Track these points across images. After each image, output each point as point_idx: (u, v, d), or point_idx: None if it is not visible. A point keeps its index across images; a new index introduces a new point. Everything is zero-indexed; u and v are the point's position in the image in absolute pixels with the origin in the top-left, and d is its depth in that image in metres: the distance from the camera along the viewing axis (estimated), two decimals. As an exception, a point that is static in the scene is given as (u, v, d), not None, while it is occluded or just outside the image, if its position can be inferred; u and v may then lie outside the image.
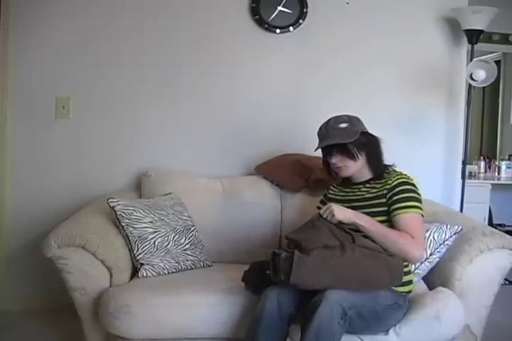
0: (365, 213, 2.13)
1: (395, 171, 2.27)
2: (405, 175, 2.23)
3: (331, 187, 2.48)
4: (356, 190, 2.29)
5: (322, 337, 1.83)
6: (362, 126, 2.29)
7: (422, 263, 2.37)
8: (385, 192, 2.17)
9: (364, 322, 2.00)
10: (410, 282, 2.21)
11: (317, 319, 1.83)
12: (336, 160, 2.25)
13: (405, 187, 2.15)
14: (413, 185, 2.19)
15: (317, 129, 3.24)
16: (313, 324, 1.83)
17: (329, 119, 2.30)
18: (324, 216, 2.07)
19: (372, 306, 2.00)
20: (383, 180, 2.23)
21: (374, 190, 2.22)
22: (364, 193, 2.25)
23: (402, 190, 2.14)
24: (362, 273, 1.96)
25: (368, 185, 2.26)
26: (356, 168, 2.26)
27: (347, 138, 2.21)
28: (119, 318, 2.11)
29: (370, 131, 2.35)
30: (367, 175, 2.29)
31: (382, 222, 2.13)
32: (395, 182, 2.17)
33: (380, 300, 2.02)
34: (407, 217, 2.10)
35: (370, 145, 2.26)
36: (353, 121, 2.27)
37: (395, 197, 2.14)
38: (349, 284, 1.93)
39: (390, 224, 2.14)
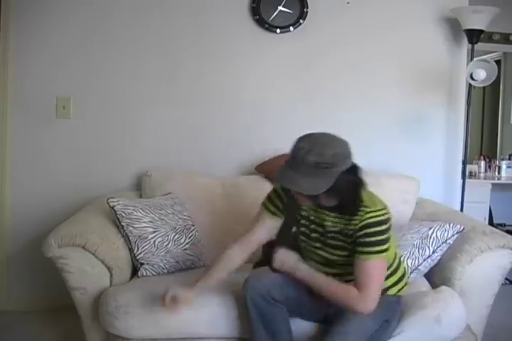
0: (329, 244, 2.00)
1: (366, 206, 1.91)
2: (376, 211, 1.90)
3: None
4: (323, 215, 2.03)
5: None
6: (344, 163, 1.86)
7: (424, 260, 2.38)
8: (350, 232, 1.93)
9: None
10: (398, 282, 2.08)
11: None
12: (297, 195, 1.95)
13: (371, 230, 1.88)
14: (382, 223, 1.89)
15: (317, 129, 3.26)
16: None
17: (308, 140, 1.88)
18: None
19: (360, 336, 1.90)
20: (351, 217, 1.94)
21: (340, 226, 1.97)
22: (329, 222, 2.01)
23: (367, 234, 1.88)
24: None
25: (333, 215, 1.99)
26: (328, 204, 1.96)
27: (317, 187, 1.83)
28: (118, 318, 2.11)
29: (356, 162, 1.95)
30: (334, 202, 1.96)
31: (345, 256, 1.99)
32: (362, 223, 1.89)
33: (368, 326, 1.92)
34: (366, 265, 1.88)
35: (343, 192, 1.88)
36: (335, 156, 1.83)
37: (359, 240, 1.89)
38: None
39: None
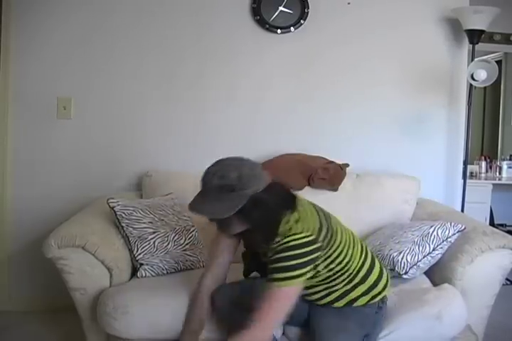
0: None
1: (282, 230, 1.81)
2: (292, 235, 1.78)
3: None
4: None
5: None
6: (253, 184, 1.76)
7: (424, 257, 2.37)
8: (270, 255, 1.83)
9: None
10: (368, 291, 1.97)
11: None
12: (210, 222, 1.89)
13: (284, 254, 1.76)
14: (296, 247, 1.77)
15: (318, 129, 3.27)
16: None
17: (216, 164, 1.82)
18: None
19: None
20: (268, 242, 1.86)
21: (266, 250, 1.88)
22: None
23: (276, 260, 1.78)
24: None
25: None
26: (241, 229, 1.87)
27: (222, 211, 1.75)
28: (116, 318, 2.10)
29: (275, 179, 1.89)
30: (247, 227, 1.88)
31: None
32: (278, 248, 1.79)
33: None
34: (270, 293, 1.76)
35: (254, 216, 1.78)
36: (241, 178, 1.74)
37: (270, 266, 1.80)
38: None
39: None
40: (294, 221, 1.82)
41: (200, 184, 1.83)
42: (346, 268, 1.94)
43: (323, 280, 1.94)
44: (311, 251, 1.78)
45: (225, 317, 2.07)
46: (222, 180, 1.74)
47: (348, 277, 1.95)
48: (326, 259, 1.88)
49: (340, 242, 1.92)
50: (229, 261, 2.10)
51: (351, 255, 1.95)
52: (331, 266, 1.91)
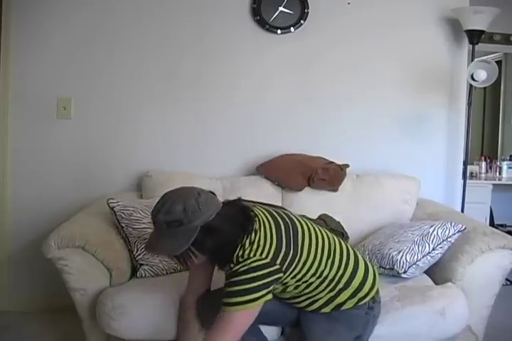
0: None
1: (237, 255, 1.76)
2: (246, 259, 1.73)
3: None
4: None
5: None
6: (200, 215, 1.69)
7: (423, 256, 2.37)
8: (225, 278, 1.80)
9: None
10: (355, 294, 1.92)
11: None
12: (169, 258, 1.89)
13: (236, 279, 1.72)
14: (249, 271, 1.71)
15: (318, 130, 3.27)
16: None
17: (162, 199, 1.74)
18: None
19: None
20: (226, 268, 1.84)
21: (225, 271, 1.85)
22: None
23: (229, 284, 1.73)
24: None
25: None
26: (201, 259, 1.80)
27: (176, 247, 1.69)
28: (115, 319, 2.10)
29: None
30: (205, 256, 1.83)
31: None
32: (231, 271, 1.75)
33: None
34: (221, 317, 1.71)
35: (208, 245, 1.73)
36: (187, 211, 1.68)
37: (224, 290, 1.74)
38: None
39: None
40: (248, 245, 1.75)
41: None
42: (323, 277, 1.87)
43: (302, 291, 1.89)
44: (264, 274, 1.72)
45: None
46: (168, 216, 1.68)
47: (329, 285, 1.89)
48: (295, 276, 1.83)
49: (309, 255, 1.84)
50: (208, 279, 2.05)
51: (327, 263, 1.88)
52: (305, 279, 1.85)
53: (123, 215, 2.44)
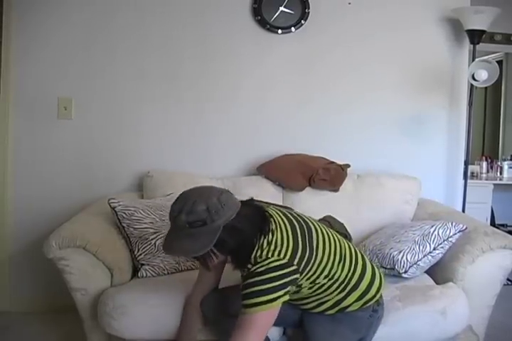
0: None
1: (255, 256, 1.76)
2: (264, 260, 1.73)
3: None
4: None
5: None
6: (223, 214, 1.68)
7: (424, 256, 2.37)
8: (242, 280, 1.79)
9: None
10: (363, 295, 1.92)
11: None
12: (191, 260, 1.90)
13: (253, 280, 1.71)
14: (265, 272, 1.71)
15: (319, 130, 3.27)
16: None
17: (181, 199, 1.73)
18: None
19: None
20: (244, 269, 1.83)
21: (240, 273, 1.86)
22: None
23: (246, 285, 1.72)
24: None
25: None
26: (221, 259, 1.81)
27: (199, 248, 1.68)
28: (116, 319, 2.10)
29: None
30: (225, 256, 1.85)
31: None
32: (249, 272, 1.74)
33: None
34: (242, 319, 1.71)
35: (231, 244, 1.73)
36: (209, 210, 1.67)
37: (242, 292, 1.73)
38: None
39: None
40: (266, 245, 1.75)
41: (170, 223, 1.74)
42: (335, 279, 1.88)
43: (313, 292, 1.90)
44: (282, 275, 1.72)
45: (215, 326, 2.07)
46: (191, 216, 1.66)
47: (339, 286, 1.90)
48: (309, 277, 1.84)
49: (323, 257, 1.85)
50: (217, 280, 2.09)
51: (339, 265, 1.89)
52: (318, 281, 1.86)
53: (124, 215, 2.44)
